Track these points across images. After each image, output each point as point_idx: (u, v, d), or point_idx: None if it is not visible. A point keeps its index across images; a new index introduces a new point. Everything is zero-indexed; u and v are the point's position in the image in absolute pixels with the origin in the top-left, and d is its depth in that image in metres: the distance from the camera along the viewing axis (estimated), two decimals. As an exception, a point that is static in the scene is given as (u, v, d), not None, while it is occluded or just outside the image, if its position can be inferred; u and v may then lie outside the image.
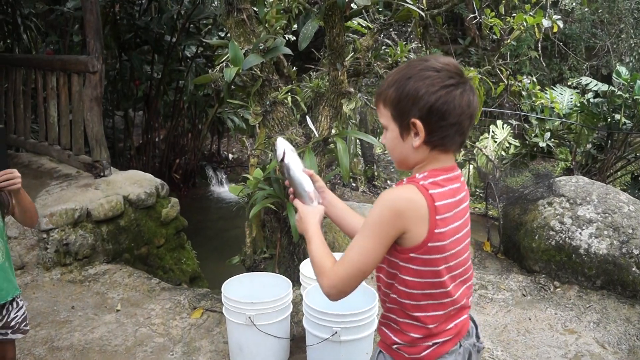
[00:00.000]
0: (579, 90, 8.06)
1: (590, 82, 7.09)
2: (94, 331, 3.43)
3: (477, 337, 1.59)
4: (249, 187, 3.42)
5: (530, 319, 3.66)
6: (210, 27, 7.67)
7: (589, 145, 7.52)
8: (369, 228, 1.36)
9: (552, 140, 7.28)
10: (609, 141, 7.11)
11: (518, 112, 8.48)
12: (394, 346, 1.48)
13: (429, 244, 1.34)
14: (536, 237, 4.21)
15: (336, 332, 2.61)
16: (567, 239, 4.07)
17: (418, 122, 1.32)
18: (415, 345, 1.44)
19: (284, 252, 3.60)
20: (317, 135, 3.33)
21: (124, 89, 7.72)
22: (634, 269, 3.84)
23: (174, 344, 3.29)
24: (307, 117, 3.32)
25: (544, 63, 10.63)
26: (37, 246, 4.14)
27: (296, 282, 3.23)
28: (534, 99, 6.61)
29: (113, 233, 4.40)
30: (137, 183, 4.76)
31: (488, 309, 3.77)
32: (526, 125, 8.24)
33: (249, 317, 2.75)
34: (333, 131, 3.42)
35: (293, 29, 4.16)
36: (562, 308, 3.80)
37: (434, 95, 1.30)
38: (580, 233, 4.05)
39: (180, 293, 3.88)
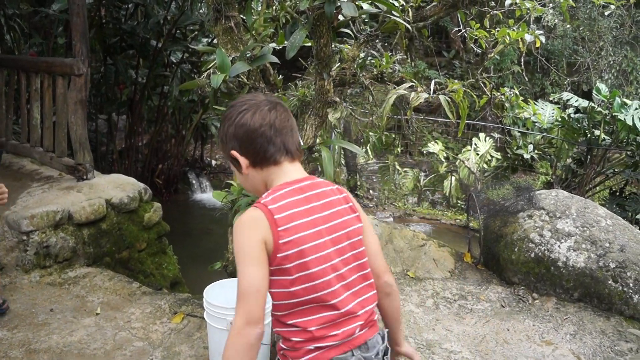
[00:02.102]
0: (560, 106, 8.20)
1: (571, 97, 7.22)
2: (72, 334, 3.40)
3: (384, 355, 1.56)
4: (233, 193, 3.42)
5: (508, 330, 3.70)
6: (196, 33, 7.67)
7: (569, 160, 7.65)
8: (237, 255, 1.45)
9: (536, 152, 7.39)
10: (589, 156, 7.23)
11: (500, 126, 8.61)
12: (281, 352, 1.54)
13: (278, 255, 1.42)
14: (516, 249, 4.27)
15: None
16: (546, 251, 4.14)
17: (234, 152, 1.52)
18: (297, 350, 1.48)
19: (266, 258, 3.60)
20: (302, 144, 3.35)
21: (108, 92, 7.68)
22: (610, 282, 3.91)
23: (154, 348, 3.28)
24: (292, 125, 3.34)
25: (526, 78, 10.81)
26: (17, 248, 4.09)
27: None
28: (517, 110, 6.70)
29: (94, 236, 4.36)
30: (120, 187, 4.74)
31: (467, 319, 3.81)
32: (508, 139, 8.36)
33: (230, 323, 2.75)
34: (318, 140, 3.44)
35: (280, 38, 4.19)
36: (540, 319, 3.85)
37: (232, 126, 1.50)
38: (559, 246, 4.12)
39: (161, 298, 3.86)
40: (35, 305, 3.73)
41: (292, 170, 1.53)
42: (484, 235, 4.66)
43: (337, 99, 3.36)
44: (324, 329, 1.46)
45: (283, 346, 1.52)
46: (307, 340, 1.46)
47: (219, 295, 2.93)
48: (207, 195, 8.58)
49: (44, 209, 4.16)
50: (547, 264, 4.11)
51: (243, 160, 1.51)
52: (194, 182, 8.79)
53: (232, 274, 3.71)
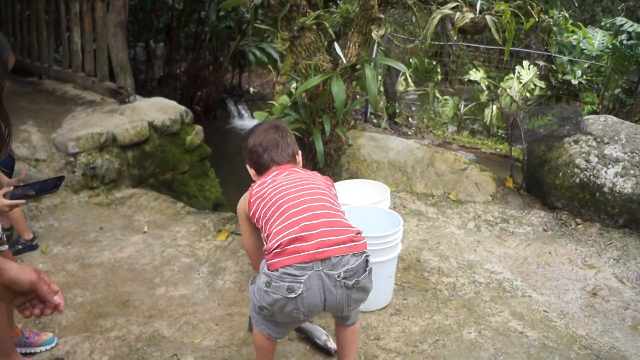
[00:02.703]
0: (611, 32, 7.80)
1: (625, 22, 6.84)
2: (122, 251, 3.53)
3: (355, 275, 1.79)
4: (274, 113, 3.41)
5: (550, 253, 3.68)
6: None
7: (617, 90, 7.35)
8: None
9: (584, 77, 7.11)
10: (639, 85, 6.93)
11: (546, 53, 8.28)
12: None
13: (251, 209, 2.02)
14: (560, 174, 4.18)
15: (361, 254, 2.65)
16: (591, 177, 4.05)
17: (247, 165, 2.22)
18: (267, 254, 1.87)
19: (308, 178, 3.63)
20: (345, 62, 3.28)
21: (145, 19, 7.62)
22: (658, 207, 3.82)
23: (200, 264, 3.38)
24: (334, 43, 3.27)
25: (576, 3, 10.26)
26: (65, 169, 4.21)
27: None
28: (565, 35, 6.41)
29: (138, 158, 4.45)
30: (162, 110, 4.78)
31: (509, 242, 3.80)
32: (553, 67, 8.05)
33: (275, 238, 2.81)
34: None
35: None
36: (582, 244, 3.81)
37: (244, 149, 2.20)
38: (605, 172, 4.02)
39: (205, 217, 3.95)
40: (86, 224, 3.87)
41: (276, 171, 2.07)
42: (527, 160, 4.57)
43: (382, 16, 3.26)
44: (282, 243, 1.83)
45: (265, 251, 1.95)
46: (269, 250, 1.87)
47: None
48: (245, 122, 8.61)
49: (88, 131, 4.24)
50: (592, 189, 4.03)
51: (251, 170, 2.16)
52: (232, 109, 8.80)
53: (275, 193, 3.77)
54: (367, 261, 1.82)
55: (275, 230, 1.82)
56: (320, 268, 1.72)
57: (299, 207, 1.84)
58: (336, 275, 1.73)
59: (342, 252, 1.75)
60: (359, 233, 1.86)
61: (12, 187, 2.14)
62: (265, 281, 1.78)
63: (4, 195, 2.06)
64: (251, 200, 1.97)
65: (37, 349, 2.57)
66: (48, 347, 2.60)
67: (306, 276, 1.72)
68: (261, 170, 2.09)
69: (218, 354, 2.57)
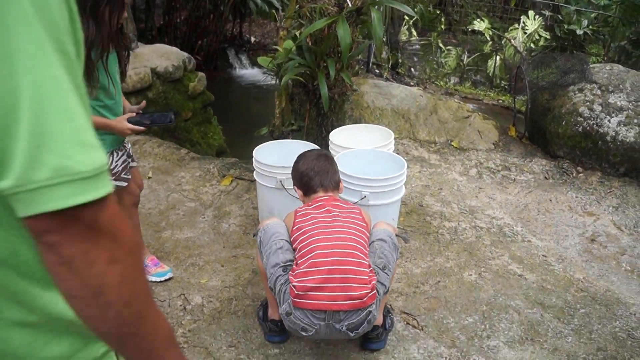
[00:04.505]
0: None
1: (635, -30, 6.69)
2: (127, 194, 3.56)
3: (355, 328, 2.04)
4: (279, 57, 3.39)
5: (551, 200, 3.73)
6: None
7: (623, 42, 7.23)
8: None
9: (590, 28, 7.00)
10: (647, 37, 6.82)
11: (552, 2, 8.13)
12: None
13: (292, 235, 2.19)
14: (563, 123, 4.19)
15: (365, 197, 2.69)
16: (594, 125, 4.05)
17: (295, 186, 2.37)
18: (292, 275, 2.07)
19: (312, 123, 3.63)
20: (350, 5, 3.24)
21: (144, -36, 7.46)
22: (659, 156, 3.84)
23: (205, 208, 3.42)
24: (340, -14, 3.22)
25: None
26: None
27: (324, 154, 3.29)
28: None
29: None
30: (164, 56, 4.73)
31: (510, 189, 3.84)
32: (559, 16, 7.91)
33: (280, 181, 2.84)
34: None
35: None
36: (583, 192, 3.85)
37: (293, 170, 2.36)
38: (609, 120, 4.02)
39: (209, 162, 3.97)
40: (90, 168, 3.88)
41: (322, 196, 2.25)
42: (530, 109, 4.56)
43: (388, -42, 3.19)
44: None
45: None
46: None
47: (267, 156, 2.99)
48: (246, 71, 8.52)
49: (91, 76, 4.21)
50: (595, 138, 4.04)
51: (298, 192, 2.33)
52: (233, 58, 8.70)
53: (278, 138, 3.78)
54: (369, 312, 2.04)
55: (303, 269, 2.02)
56: (330, 320, 2.01)
57: (328, 257, 2.03)
58: (340, 327, 2.02)
59: (351, 307, 2.00)
60: (372, 288, 2.03)
61: (134, 114, 2.31)
62: (286, 311, 2.06)
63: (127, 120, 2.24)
64: (294, 228, 2.16)
65: (153, 278, 2.70)
66: (159, 279, 2.71)
67: (318, 326, 2.02)
68: (309, 192, 2.28)
69: (224, 294, 2.63)
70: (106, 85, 2.15)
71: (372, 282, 2.04)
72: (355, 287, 2.00)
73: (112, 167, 2.34)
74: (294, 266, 2.08)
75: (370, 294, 2.02)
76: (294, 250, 2.13)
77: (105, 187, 0.67)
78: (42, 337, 0.79)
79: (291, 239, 2.18)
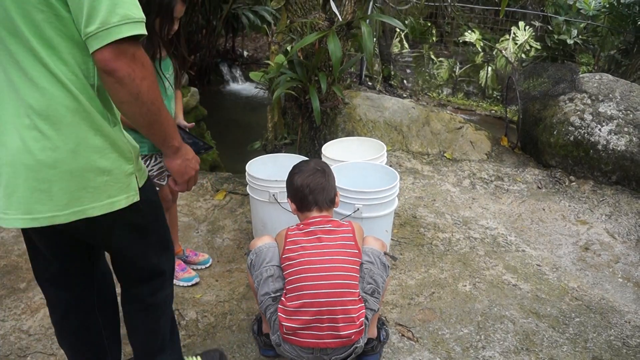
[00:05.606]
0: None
1: (622, -20, 6.76)
2: (121, 210, 3.55)
3: None
4: (270, 72, 3.40)
5: (544, 210, 3.74)
6: None
7: (613, 51, 7.30)
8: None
9: (580, 37, 7.06)
10: (636, 46, 6.89)
11: (542, 13, 8.21)
12: None
13: (282, 263, 2.15)
14: (555, 133, 4.22)
15: (358, 209, 2.69)
16: (586, 134, 4.08)
17: (288, 199, 2.30)
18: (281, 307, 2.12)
19: (305, 137, 3.64)
20: (340, 19, 3.26)
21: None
22: (650, 164, 3.87)
23: (199, 223, 3.42)
24: (330, 1, 3.24)
25: (572, -38, 10.12)
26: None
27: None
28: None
29: (134, 120, 4.44)
30: (156, 72, 4.74)
31: (503, 199, 3.85)
32: (549, 27, 7.99)
33: (273, 195, 2.84)
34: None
35: None
36: (575, 201, 3.87)
37: (288, 183, 2.28)
38: (599, 129, 4.05)
39: (203, 177, 3.97)
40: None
41: (316, 217, 2.19)
42: (522, 119, 4.59)
43: (378, -28, 3.22)
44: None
45: None
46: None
47: (260, 170, 3.00)
48: (239, 86, 8.55)
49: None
50: (587, 147, 4.07)
51: (291, 205, 2.26)
52: (226, 73, 8.74)
53: (271, 152, 3.79)
54: (356, 347, 2.09)
55: (291, 309, 2.03)
56: (319, 354, 2.07)
57: (316, 298, 2.03)
58: (327, 359, 2.09)
59: (338, 345, 2.05)
60: (360, 325, 2.05)
61: (179, 128, 2.34)
62: (276, 342, 2.11)
63: None
64: (283, 257, 2.12)
65: (195, 267, 2.94)
66: (203, 267, 2.96)
67: (306, 358, 2.08)
68: (302, 209, 2.23)
69: (219, 309, 2.62)
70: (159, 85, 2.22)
71: (360, 320, 2.04)
72: (343, 327, 2.02)
73: (148, 170, 2.39)
74: (282, 298, 2.07)
75: (357, 331, 2.04)
76: (284, 277, 2.11)
77: (144, 30, 1.24)
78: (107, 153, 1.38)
79: (281, 266, 2.14)
